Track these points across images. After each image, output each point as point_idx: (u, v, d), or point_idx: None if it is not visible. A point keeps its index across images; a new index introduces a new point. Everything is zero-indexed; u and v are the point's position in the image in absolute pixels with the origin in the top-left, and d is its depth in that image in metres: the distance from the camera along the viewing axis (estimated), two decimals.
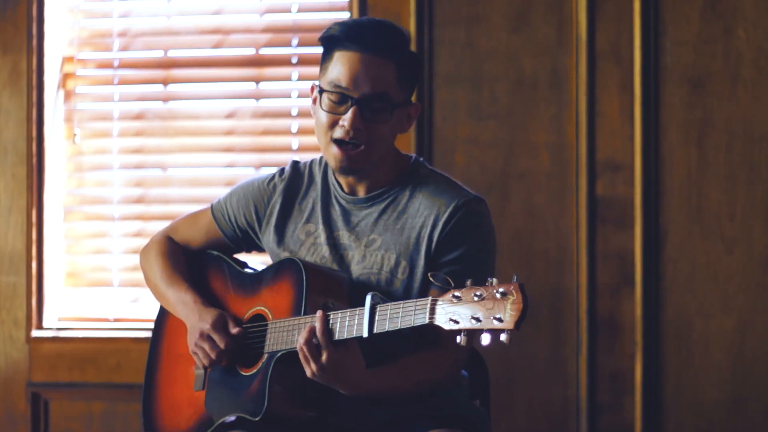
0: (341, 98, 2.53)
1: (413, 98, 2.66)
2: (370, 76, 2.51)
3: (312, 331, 2.41)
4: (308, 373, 2.42)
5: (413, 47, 3.58)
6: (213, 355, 2.61)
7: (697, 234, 3.70)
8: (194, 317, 2.66)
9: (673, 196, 3.71)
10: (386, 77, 2.53)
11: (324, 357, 2.40)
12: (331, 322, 2.42)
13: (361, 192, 2.63)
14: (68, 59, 4.14)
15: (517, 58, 3.78)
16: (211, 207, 2.80)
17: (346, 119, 2.52)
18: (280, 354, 2.50)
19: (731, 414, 3.68)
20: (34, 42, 4.05)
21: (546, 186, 3.76)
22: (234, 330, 2.61)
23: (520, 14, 3.78)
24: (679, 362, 3.70)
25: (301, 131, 4.00)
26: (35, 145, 4.05)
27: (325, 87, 2.55)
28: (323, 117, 2.55)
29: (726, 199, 3.69)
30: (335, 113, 2.54)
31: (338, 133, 2.53)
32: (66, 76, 4.14)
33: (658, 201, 3.71)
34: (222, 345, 2.60)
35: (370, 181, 2.62)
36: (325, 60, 2.57)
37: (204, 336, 2.62)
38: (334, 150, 2.55)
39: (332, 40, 2.55)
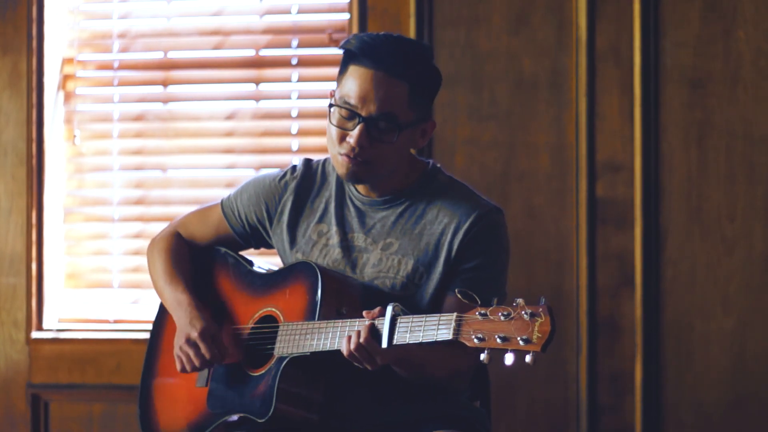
0: (350, 114, 2.53)
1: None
2: (378, 96, 2.50)
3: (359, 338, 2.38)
4: (345, 353, 2.40)
5: None
6: (197, 363, 2.62)
7: (697, 235, 3.70)
8: (185, 319, 2.67)
9: (673, 197, 3.71)
10: (396, 97, 2.51)
11: (378, 360, 2.39)
12: (347, 330, 2.41)
13: (377, 194, 2.63)
14: (68, 60, 4.14)
15: (517, 59, 3.78)
16: (221, 203, 2.79)
17: (352, 136, 2.52)
18: (290, 357, 2.50)
19: (731, 414, 3.68)
20: (34, 43, 4.05)
21: (546, 187, 3.76)
22: (226, 341, 2.63)
23: (520, 15, 3.78)
24: (680, 363, 3.70)
25: (301, 132, 4.01)
26: (35, 147, 4.05)
27: (337, 101, 2.55)
28: (333, 130, 2.55)
29: (726, 199, 3.69)
30: (344, 128, 2.54)
31: (344, 148, 2.53)
32: (66, 78, 4.14)
33: (658, 202, 3.71)
34: (208, 355, 2.61)
35: (385, 185, 2.62)
36: (341, 71, 2.56)
37: (190, 342, 2.63)
38: (342, 159, 2.55)
39: (349, 53, 2.54)
